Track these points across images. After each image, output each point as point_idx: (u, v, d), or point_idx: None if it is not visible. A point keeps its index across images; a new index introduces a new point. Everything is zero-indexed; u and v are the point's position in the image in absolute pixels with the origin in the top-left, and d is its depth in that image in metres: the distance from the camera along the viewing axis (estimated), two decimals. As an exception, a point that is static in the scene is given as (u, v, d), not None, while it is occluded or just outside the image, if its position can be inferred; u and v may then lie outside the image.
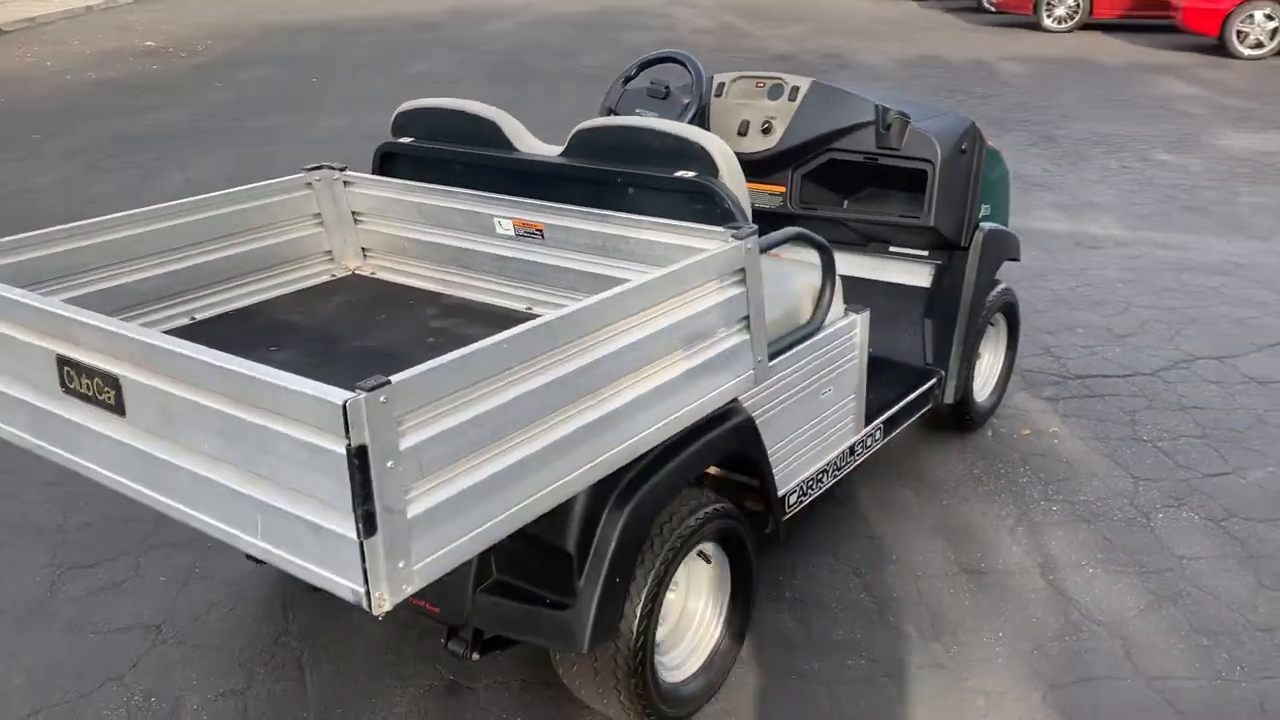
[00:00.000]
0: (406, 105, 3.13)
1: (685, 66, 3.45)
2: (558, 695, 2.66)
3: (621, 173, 2.68)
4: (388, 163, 3.19)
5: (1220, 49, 13.15)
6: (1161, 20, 15.11)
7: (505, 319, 2.86)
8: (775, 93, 3.56)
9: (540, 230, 2.76)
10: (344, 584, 1.70)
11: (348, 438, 1.58)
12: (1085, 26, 15.96)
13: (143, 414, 1.92)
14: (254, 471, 1.76)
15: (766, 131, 3.53)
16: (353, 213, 3.19)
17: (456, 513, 1.77)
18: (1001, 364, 4.04)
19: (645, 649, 2.35)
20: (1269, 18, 12.78)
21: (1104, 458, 3.76)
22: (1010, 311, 3.95)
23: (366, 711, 2.64)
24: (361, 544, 1.63)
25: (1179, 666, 2.71)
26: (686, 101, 3.43)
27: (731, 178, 2.57)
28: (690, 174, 2.57)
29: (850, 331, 3.01)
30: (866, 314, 3.06)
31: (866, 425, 3.20)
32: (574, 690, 2.49)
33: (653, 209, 2.64)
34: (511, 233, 2.83)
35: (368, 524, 1.63)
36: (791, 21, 18.15)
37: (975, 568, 3.15)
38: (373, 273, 3.24)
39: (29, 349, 2.10)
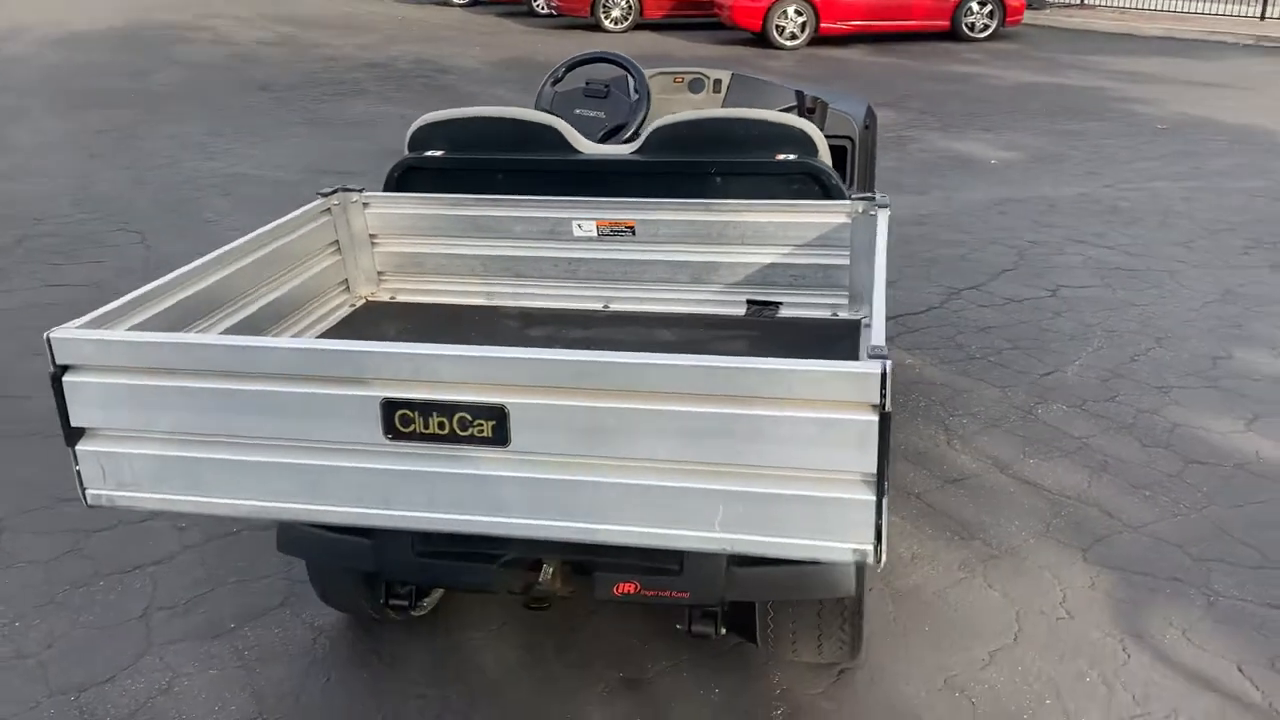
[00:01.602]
0: (427, 118, 2.99)
1: (623, 66, 3.61)
2: (733, 661, 2.80)
3: (715, 163, 2.84)
4: (408, 179, 3.03)
5: (764, 42, 15.09)
6: (703, 18, 16.99)
7: (590, 320, 2.89)
8: (696, 86, 3.82)
9: (632, 227, 2.83)
10: (842, 548, 1.79)
11: (882, 404, 1.70)
12: (638, 27, 17.46)
13: (542, 438, 1.83)
14: (723, 464, 1.79)
15: (698, 123, 3.78)
16: (370, 235, 3.00)
17: None
18: (860, 313, 4.64)
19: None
20: (799, 13, 14.90)
21: (962, 376, 4.49)
22: None
23: (566, 729, 2.60)
24: (880, 503, 1.76)
25: (1146, 515, 3.44)
26: (635, 99, 3.59)
27: (826, 157, 2.84)
28: (792, 156, 2.80)
29: None
30: None
31: None
32: (782, 647, 2.64)
33: (741, 195, 2.83)
34: (594, 234, 2.86)
35: (882, 483, 1.75)
36: (353, 30, 17.89)
37: (951, 478, 3.69)
38: (392, 296, 3.07)
39: (334, 402, 1.87)
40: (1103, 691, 2.66)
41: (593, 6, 17.18)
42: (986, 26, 15.20)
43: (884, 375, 1.68)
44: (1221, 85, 11.67)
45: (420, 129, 3.00)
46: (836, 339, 2.74)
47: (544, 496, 1.87)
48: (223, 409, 1.91)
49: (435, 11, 21.21)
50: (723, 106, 3.78)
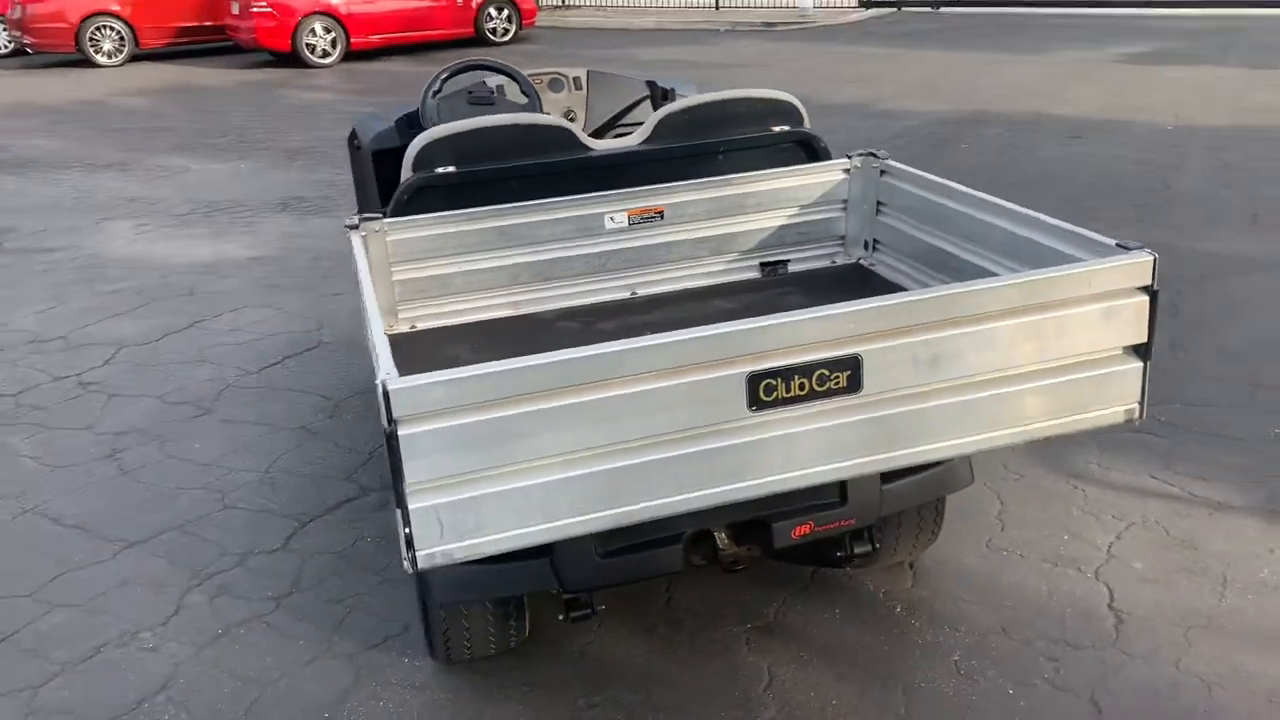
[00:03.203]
0: (431, 134, 2.84)
1: (503, 71, 3.65)
2: (825, 585, 3.08)
3: (722, 142, 3.04)
4: (415, 201, 2.85)
5: (296, 61, 14.59)
6: (215, 43, 15.98)
7: (626, 307, 2.99)
8: (556, 86, 3.91)
9: (661, 212, 2.96)
10: (1116, 411, 2.19)
11: (1151, 284, 2.12)
12: (135, 58, 15.97)
13: (890, 376, 2.00)
14: (1030, 363, 2.09)
15: (571, 120, 3.89)
16: (389, 264, 2.81)
17: None
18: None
19: None
20: (327, 30, 14.61)
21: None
22: None
23: (728, 682, 2.73)
24: (1145, 367, 2.18)
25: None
26: (526, 101, 3.64)
27: (808, 123, 3.16)
28: (785, 127, 3.09)
29: None
30: None
31: None
32: (886, 553, 2.96)
33: (743, 167, 3.08)
34: (625, 224, 2.95)
35: (1149, 349, 2.18)
36: None
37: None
38: (412, 326, 2.90)
39: (700, 388, 1.89)
40: (1091, 520, 3.33)
41: (77, 39, 15.41)
42: (507, 30, 16.01)
43: (1154, 262, 2.11)
44: (743, 65, 13.40)
45: (426, 147, 2.85)
46: (850, 281, 3.11)
47: (889, 430, 2.05)
48: (589, 422, 1.85)
49: None
50: (589, 101, 3.94)
